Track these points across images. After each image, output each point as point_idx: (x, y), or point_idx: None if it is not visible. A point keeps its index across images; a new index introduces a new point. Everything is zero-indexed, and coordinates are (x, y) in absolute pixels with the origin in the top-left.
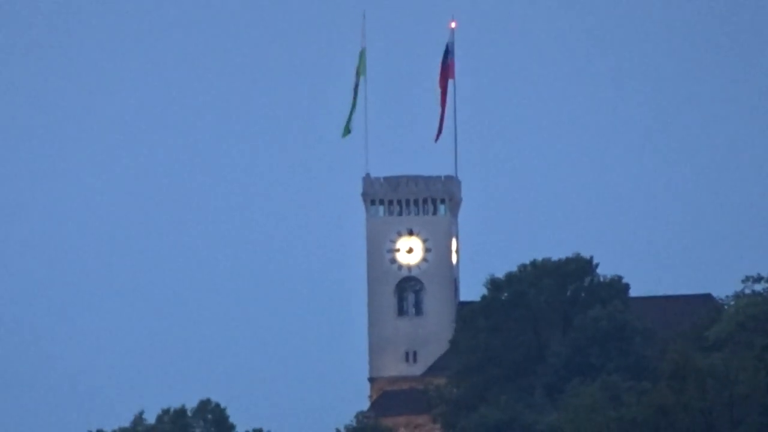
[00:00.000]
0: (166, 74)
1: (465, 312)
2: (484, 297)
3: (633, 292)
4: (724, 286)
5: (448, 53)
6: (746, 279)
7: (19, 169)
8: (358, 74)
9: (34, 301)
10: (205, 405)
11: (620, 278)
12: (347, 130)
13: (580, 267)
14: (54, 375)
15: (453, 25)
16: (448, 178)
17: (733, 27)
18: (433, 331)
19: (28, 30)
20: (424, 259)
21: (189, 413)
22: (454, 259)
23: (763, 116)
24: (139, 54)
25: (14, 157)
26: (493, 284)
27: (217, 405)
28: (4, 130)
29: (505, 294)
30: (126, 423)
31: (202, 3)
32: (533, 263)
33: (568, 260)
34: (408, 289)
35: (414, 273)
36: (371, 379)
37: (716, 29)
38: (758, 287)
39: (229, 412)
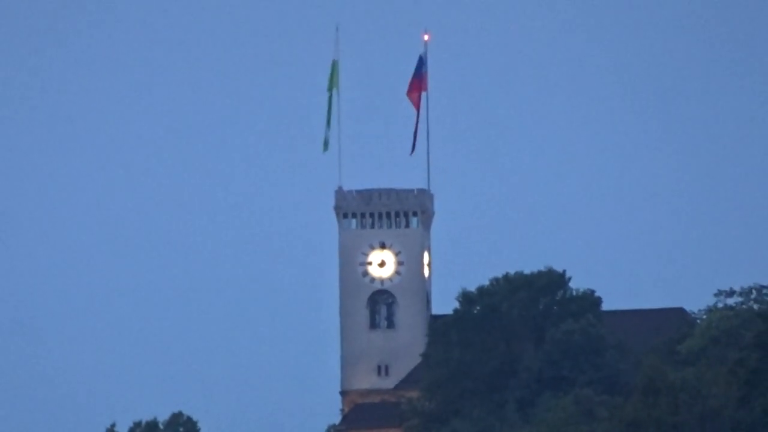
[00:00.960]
0: (145, 85)
1: (437, 325)
2: (456, 310)
3: (605, 306)
4: (696, 300)
5: (421, 65)
6: (719, 293)
7: (19, 169)
8: (330, 87)
9: (6, 310)
10: (176, 418)
11: (593, 292)
12: (326, 145)
13: (553, 280)
14: (25, 388)
15: (426, 37)
16: (421, 191)
17: (733, 28)
18: (406, 345)
19: (29, 30)
20: (397, 273)
21: (161, 426)
22: (426, 273)
23: (743, 131)
24: (128, 64)
25: (14, 157)
26: (466, 297)
27: (189, 418)
28: (4, 130)
29: (478, 307)
30: None
31: (169, 19)
32: (506, 277)
33: (540, 274)
34: (380, 302)
35: (386, 286)
36: (343, 392)
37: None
38: (731, 301)
39: (200, 425)
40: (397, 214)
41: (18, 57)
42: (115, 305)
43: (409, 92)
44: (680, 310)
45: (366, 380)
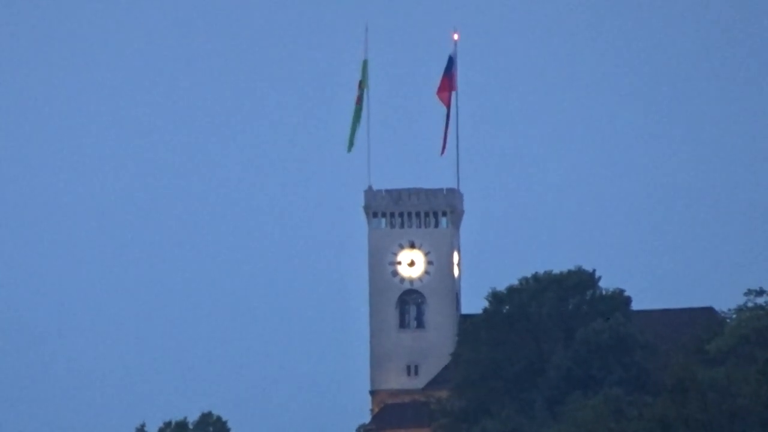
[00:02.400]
0: (170, 84)
1: (466, 325)
2: (485, 310)
3: (635, 305)
4: (725, 300)
5: (451, 65)
6: (748, 292)
7: (19, 169)
8: (360, 86)
9: (35, 309)
10: (206, 418)
11: (622, 291)
12: (351, 144)
13: (582, 280)
14: (55, 388)
15: (456, 36)
16: (450, 190)
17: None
18: (435, 344)
19: (28, 30)
20: (426, 272)
21: (190, 426)
22: (455, 272)
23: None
24: (141, 58)
25: (15, 158)
26: (495, 297)
27: (219, 418)
28: (4, 130)
29: (507, 307)
30: None
31: (202, 18)
32: (535, 276)
33: (569, 273)
34: (410, 302)
35: (416, 286)
36: (372, 392)
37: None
38: (760, 300)
39: (230, 424)
40: (426, 214)
41: (18, 57)
42: (147, 305)
43: (439, 91)
44: (709, 310)
45: (395, 380)
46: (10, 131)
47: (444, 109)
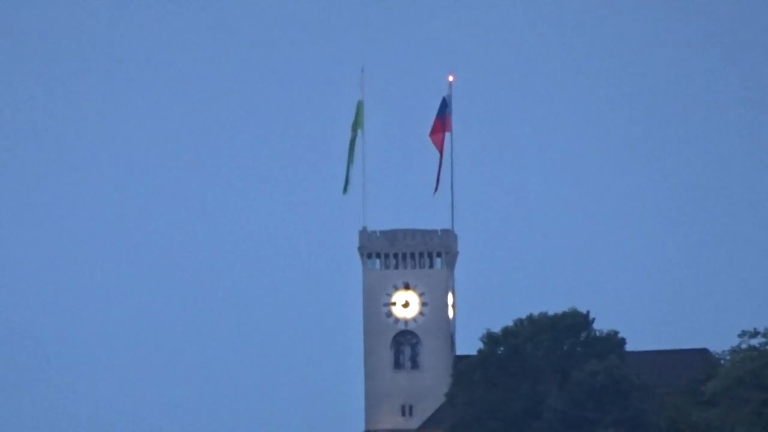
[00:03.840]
0: (170, 110)
1: (461, 366)
2: (480, 351)
3: (629, 347)
4: (720, 341)
5: (445, 106)
6: (743, 333)
7: (19, 169)
8: (354, 128)
9: (35, 310)
10: None
11: (616, 333)
12: (346, 186)
13: (577, 321)
14: (56, 388)
15: (451, 78)
16: (445, 231)
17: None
18: (430, 385)
19: (28, 30)
20: (421, 313)
21: None
22: (450, 313)
23: (760, 162)
24: (150, 86)
25: (15, 158)
26: (490, 338)
27: None
28: (4, 130)
29: (502, 348)
30: None
31: (193, 68)
32: (530, 317)
33: (564, 314)
34: (404, 342)
35: (410, 327)
36: None
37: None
38: (755, 342)
39: None
40: (421, 255)
41: (18, 56)
42: (137, 335)
43: (432, 134)
44: (704, 351)
45: (390, 420)
46: (11, 131)
47: (438, 151)
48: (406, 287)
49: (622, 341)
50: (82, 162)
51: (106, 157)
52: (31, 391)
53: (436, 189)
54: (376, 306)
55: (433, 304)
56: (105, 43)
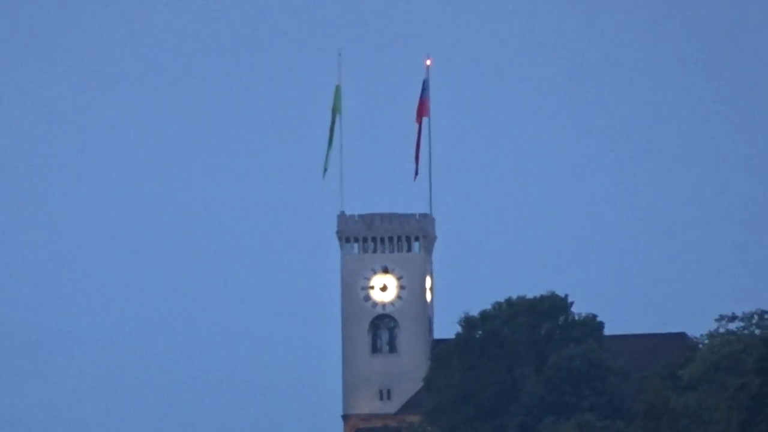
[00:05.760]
0: (156, 103)
1: (439, 350)
2: (458, 335)
3: (607, 331)
4: (698, 325)
5: (424, 90)
6: (720, 318)
7: (19, 169)
8: (333, 112)
9: (35, 310)
10: None
11: (595, 317)
12: (325, 171)
13: (555, 305)
14: (55, 388)
15: (428, 62)
16: (423, 215)
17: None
18: (407, 369)
19: (28, 30)
20: (399, 297)
21: None
22: (428, 297)
23: (742, 152)
24: (140, 81)
25: (15, 158)
26: (468, 322)
27: None
28: (4, 130)
29: (480, 332)
30: None
31: (176, 54)
32: (507, 301)
33: (542, 298)
34: (382, 326)
35: (388, 310)
36: (345, 417)
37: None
38: (732, 326)
39: None
40: (399, 239)
41: (18, 56)
42: (121, 327)
43: (419, 115)
44: (682, 335)
45: (368, 405)
46: (11, 131)
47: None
48: (384, 271)
49: (601, 325)
50: (79, 161)
51: (95, 151)
52: (31, 391)
53: (416, 174)
54: (353, 290)
55: (410, 288)
56: (96, 43)
